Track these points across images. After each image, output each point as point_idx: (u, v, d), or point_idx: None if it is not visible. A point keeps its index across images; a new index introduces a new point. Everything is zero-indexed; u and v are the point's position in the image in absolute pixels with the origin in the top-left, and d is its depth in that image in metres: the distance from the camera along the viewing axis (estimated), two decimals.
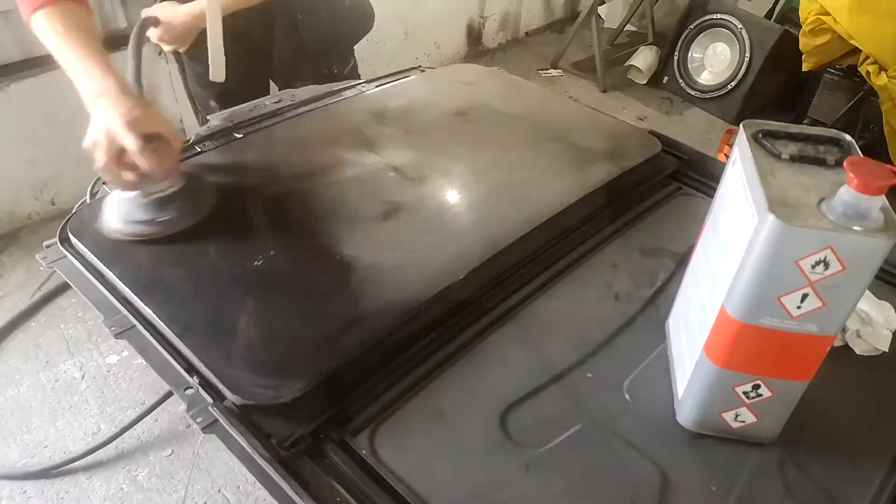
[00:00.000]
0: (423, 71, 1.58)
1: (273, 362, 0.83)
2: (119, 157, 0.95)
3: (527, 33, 4.15)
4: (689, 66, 3.42)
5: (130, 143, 0.93)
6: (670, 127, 3.23)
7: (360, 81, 1.49)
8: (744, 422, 0.81)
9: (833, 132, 0.76)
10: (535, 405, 0.86)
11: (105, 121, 0.94)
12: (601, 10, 3.93)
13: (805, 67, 2.53)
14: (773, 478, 0.79)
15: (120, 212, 1.00)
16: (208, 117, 1.38)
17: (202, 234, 1.02)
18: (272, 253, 0.98)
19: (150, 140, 0.95)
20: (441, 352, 0.91)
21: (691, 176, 1.29)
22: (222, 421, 0.77)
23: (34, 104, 2.26)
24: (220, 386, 0.80)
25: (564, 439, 0.82)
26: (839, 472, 0.80)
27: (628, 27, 4.07)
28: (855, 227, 0.63)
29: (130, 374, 1.94)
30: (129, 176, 0.97)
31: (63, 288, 2.14)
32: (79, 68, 0.99)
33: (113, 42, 2.39)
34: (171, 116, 2.65)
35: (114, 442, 1.77)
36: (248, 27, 1.49)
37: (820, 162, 0.72)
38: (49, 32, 1.02)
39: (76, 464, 1.72)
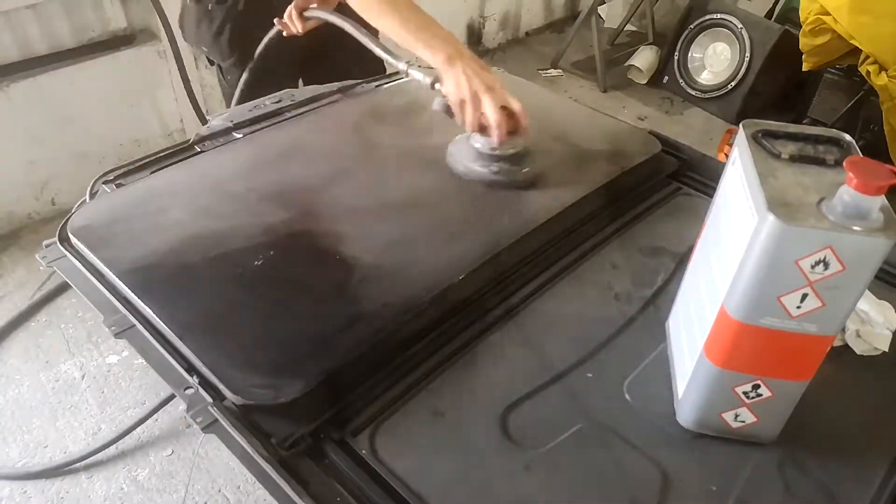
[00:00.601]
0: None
1: (273, 362, 0.83)
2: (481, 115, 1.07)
3: (527, 33, 4.15)
4: (690, 65, 3.42)
5: (515, 102, 1.08)
6: (670, 127, 3.23)
7: (360, 81, 1.49)
8: (744, 422, 0.81)
9: (833, 132, 0.76)
10: (535, 405, 0.86)
11: (472, 82, 1.06)
12: (601, 10, 3.93)
13: (805, 67, 2.53)
14: (773, 478, 0.79)
15: (473, 158, 1.14)
16: (208, 118, 1.38)
17: (202, 234, 1.02)
18: (272, 253, 0.98)
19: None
20: (441, 352, 0.91)
21: (691, 176, 1.29)
22: (222, 421, 0.77)
23: (34, 104, 2.26)
24: (221, 386, 0.80)
25: (564, 439, 0.82)
26: (839, 472, 0.80)
27: (628, 27, 4.07)
28: (855, 227, 0.63)
29: (130, 374, 1.94)
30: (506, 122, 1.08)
31: (63, 288, 2.14)
32: (423, 30, 1.10)
33: (112, 43, 2.41)
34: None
35: (114, 442, 1.77)
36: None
37: (820, 162, 0.72)
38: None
39: (77, 464, 1.72)
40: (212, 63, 1.75)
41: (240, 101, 1.60)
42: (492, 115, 1.06)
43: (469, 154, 1.15)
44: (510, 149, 1.12)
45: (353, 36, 1.29)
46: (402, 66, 1.19)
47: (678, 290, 0.95)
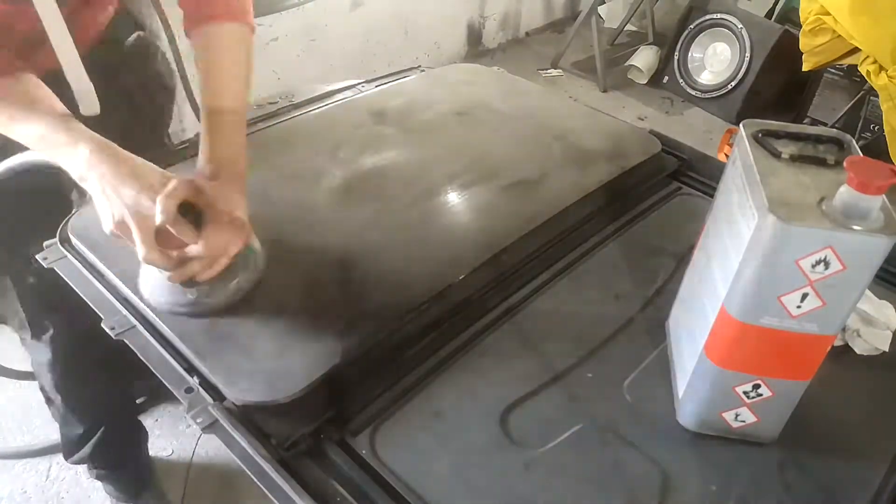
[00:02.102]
0: (423, 71, 1.58)
1: (273, 362, 0.83)
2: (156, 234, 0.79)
3: (527, 33, 4.15)
4: (690, 65, 3.42)
5: (160, 214, 0.76)
6: (670, 127, 3.23)
7: (360, 81, 1.49)
8: (744, 422, 0.81)
9: (833, 132, 0.76)
10: (535, 405, 0.86)
11: (119, 195, 0.78)
12: (601, 9, 3.94)
13: (805, 67, 2.53)
14: (773, 478, 0.79)
15: (159, 285, 0.86)
16: None
17: None
18: (272, 252, 0.98)
19: (185, 209, 0.80)
20: (441, 352, 0.91)
21: (691, 176, 1.29)
22: (222, 421, 0.77)
23: None
24: (220, 386, 0.80)
25: (564, 439, 0.82)
26: (839, 472, 0.80)
27: (628, 27, 4.07)
28: (855, 227, 0.63)
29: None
30: (173, 255, 0.81)
31: None
32: (45, 136, 0.82)
33: None
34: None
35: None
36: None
37: (820, 162, 0.72)
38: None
39: (77, 465, 1.72)
40: None
41: None
42: (140, 252, 0.78)
43: (158, 280, 0.86)
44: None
45: None
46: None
47: (678, 290, 0.95)
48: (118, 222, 0.79)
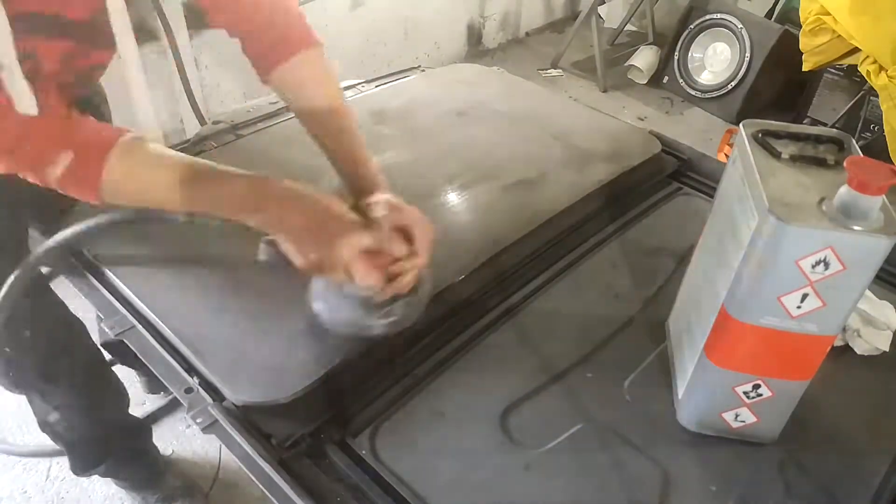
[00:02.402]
0: (423, 71, 1.58)
1: (273, 362, 0.83)
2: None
3: (527, 33, 4.15)
4: (690, 65, 3.42)
5: (359, 275, 0.74)
6: (670, 127, 3.23)
7: (360, 81, 1.49)
8: (744, 422, 0.81)
9: (833, 132, 0.76)
10: (535, 405, 0.86)
11: (317, 242, 0.75)
12: (601, 9, 3.93)
13: (805, 67, 2.53)
14: (773, 478, 0.79)
15: (345, 309, 0.82)
16: (208, 118, 1.38)
17: (202, 234, 1.01)
18: (272, 252, 0.98)
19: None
20: (441, 352, 0.91)
21: (691, 176, 1.29)
22: (222, 421, 0.77)
23: None
24: (220, 386, 0.80)
25: (564, 439, 0.82)
26: (839, 472, 0.80)
27: (628, 27, 4.07)
28: (855, 227, 0.63)
29: (131, 374, 1.94)
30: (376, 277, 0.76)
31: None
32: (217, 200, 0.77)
33: None
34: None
35: None
36: None
37: (820, 162, 0.72)
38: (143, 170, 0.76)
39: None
40: None
41: None
42: (361, 281, 0.75)
43: (341, 300, 0.82)
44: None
45: None
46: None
47: (678, 290, 0.95)
48: (323, 266, 0.76)
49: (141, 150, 0.76)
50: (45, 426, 1.41)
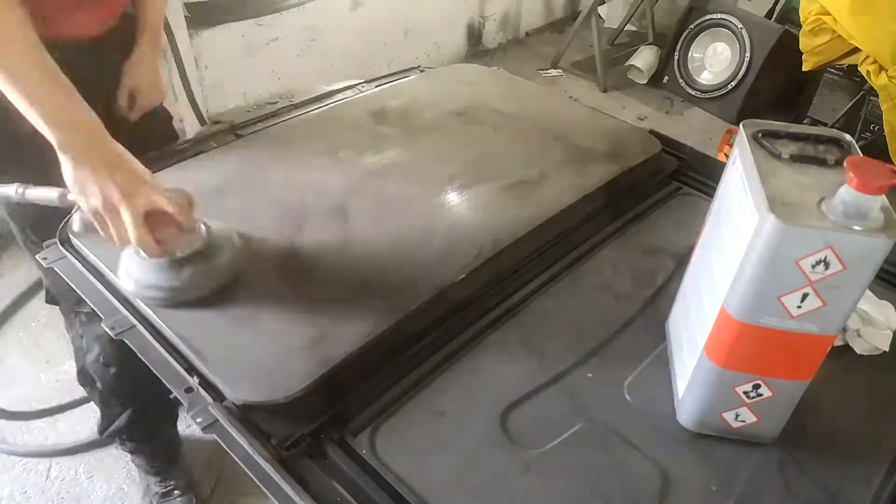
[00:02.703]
0: (422, 71, 1.58)
1: (273, 362, 0.83)
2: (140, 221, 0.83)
3: (527, 33, 4.15)
4: (690, 65, 3.42)
5: (166, 204, 0.84)
6: (670, 127, 3.23)
7: (360, 81, 1.49)
8: (744, 421, 0.81)
9: (833, 132, 0.76)
10: (535, 405, 0.86)
11: (105, 189, 0.82)
12: (601, 10, 3.93)
13: (805, 67, 2.53)
14: (773, 478, 0.79)
15: (133, 272, 0.90)
16: (208, 118, 1.38)
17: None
18: (272, 252, 0.98)
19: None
20: (441, 352, 0.91)
21: (691, 176, 1.29)
22: (222, 421, 0.77)
23: None
24: (220, 386, 0.80)
25: (564, 439, 0.82)
26: (839, 472, 0.80)
27: (628, 27, 4.07)
28: (855, 227, 0.63)
29: None
30: (152, 241, 0.85)
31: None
32: (56, 110, 0.83)
33: None
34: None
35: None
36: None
37: (820, 162, 0.72)
38: None
39: (77, 465, 1.73)
40: None
41: None
42: (131, 232, 0.83)
43: (139, 266, 0.89)
44: (190, 247, 0.89)
45: None
46: (11, 191, 0.90)
47: (678, 290, 0.95)
48: (106, 208, 0.83)
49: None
50: (82, 373, 1.45)
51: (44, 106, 0.83)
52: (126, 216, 0.83)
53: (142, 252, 0.88)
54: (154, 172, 1.17)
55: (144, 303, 0.89)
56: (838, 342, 0.94)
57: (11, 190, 0.90)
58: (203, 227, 0.92)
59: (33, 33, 0.86)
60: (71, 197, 0.86)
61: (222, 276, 0.91)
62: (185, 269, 0.89)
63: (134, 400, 1.47)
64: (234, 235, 0.97)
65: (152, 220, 0.85)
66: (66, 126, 0.84)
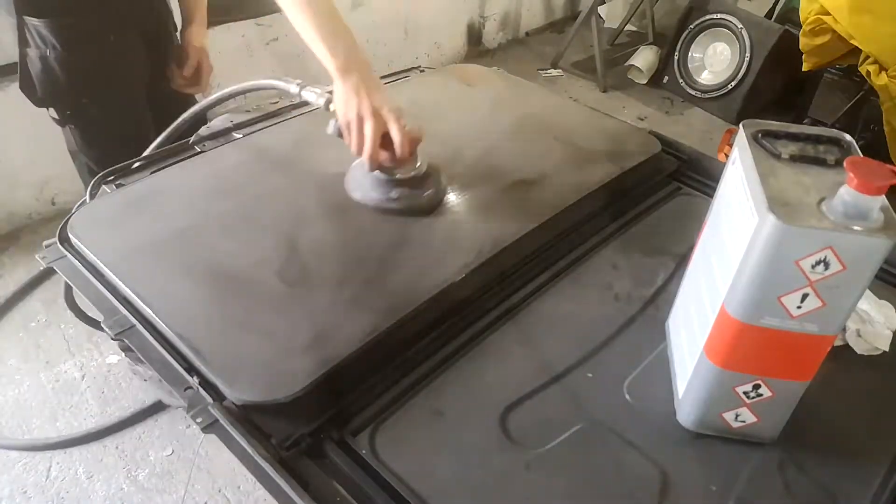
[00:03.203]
0: (422, 71, 1.58)
1: (273, 362, 0.83)
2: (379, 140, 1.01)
3: (527, 33, 4.15)
4: (690, 65, 3.42)
5: (397, 132, 1.01)
6: (670, 127, 3.23)
7: None
8: (744, 422, 0.81)
9: (833, 132, 0.76)
10: (535, 405, 0.86)
11: (361, 104, 1.00)
12: (601, 9, 3.94)
13: (805, 67, 2.53)
14: (773, 478, 0.79)
15: (369, 185, 1.08)
16: (208, 119, 1.38)
17: (202, 234, 1.02)
18: (272, 252, 0.98)
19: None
20: (441, 352, 0.91)
21: (691, 176, 1.29)
22: (222, 421, 0.77)
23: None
24: (220, 386, 0.80)
25: (564, 439, 0.82)
26: (839, 472, 0.81)
27: (628, 27, 4.07)
28: (855, 227, 0.63)
29: (130, 374, 1.94)
30: (384, 157, 1.03)
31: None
32: (326, 33, 1.03)
33: None
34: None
35: (114, 442, 1.77)
36: None
37: (820, 162, 0.72)
38: None
39: (77, 465, 1.73)
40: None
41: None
42: (368, 143, 1.01)
43: (366, 179, 1.09)
44: (407, 173, 1.07)
45: None
46: (293, 88, 1.12)
47: (678, 290, 0.95)
48: (357, 119, 1.01)
49: None
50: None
51: (336, 37, 1.03)
52: (368, 131, 1.00)
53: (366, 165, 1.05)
54: (153, 172, 1.18)
55: (370, 206, 1.07)
56: (838, 342, 0.94)
57: (293, 86, 1.12)
58: (423, 161, 1.09)
59: None
60: (332, 106, 1.05)
61: (425, 203, 1.08)
62: (399, 188, 1.06)
63: None
64: (443, 176, 1.14)
65: (388, 141, 1.02)
66: (343, 54, 1.03)
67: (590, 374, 0.90)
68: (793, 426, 0.81)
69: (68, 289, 1.36)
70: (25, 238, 2.41)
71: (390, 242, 1.02)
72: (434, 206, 1.09)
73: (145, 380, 1.87)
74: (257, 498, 1.67)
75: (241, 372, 0.81)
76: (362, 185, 1.09)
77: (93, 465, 1.73)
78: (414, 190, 1.07)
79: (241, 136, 1.28)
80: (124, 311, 0.91)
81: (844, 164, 0.65)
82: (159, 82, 1.58)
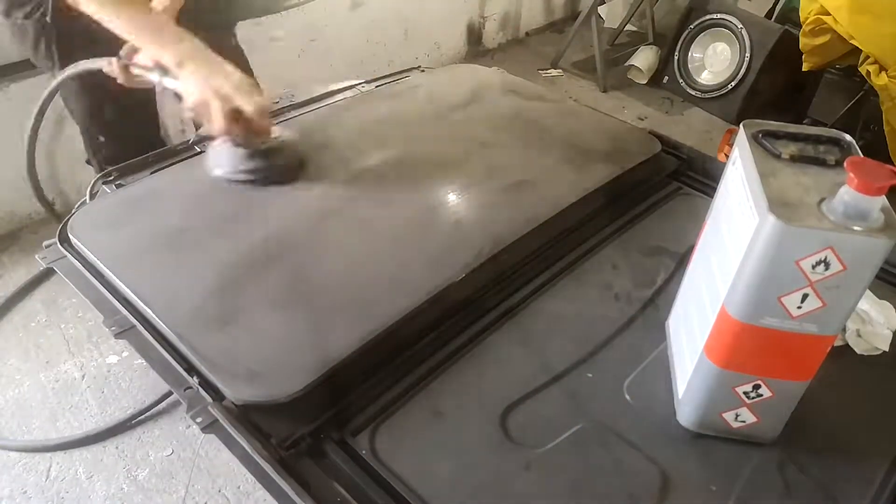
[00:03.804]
0: (423, 71, 1.58)
1: (273, 362, 0.83)
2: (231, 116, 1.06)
3: (527, 33, 4.15)
4: (690, 65, 3.42)
5: (248, 105, 1.05)
6: (670, 127, 3.23)
7: (360, 81, 1.49)
8: (744, 422, 0.81)
9: (833, 132, 0.76)
10: (535, 405, 0.86)
11: (212, 83, 1.04)
12: (601, 9, 3.93)
13: (805, 67, 2.53)
14: (773, 478, 0.79)
15: (224, 160, 1.13)
16: None
17: (202, 234, 1.02)
18: (272, 252, 0.98)
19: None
20: (441, 352, 0.91)
21: (691, 176, 1.29)
22: (222, 421, 0.77)
23: (34, 104, 2.26)
24: (220, 386, 0.80)
25: (564, 439, 0.82)
26: (839, 472, 0.80)
27: (628, 27, 4.07)
28: (855, 228, 0.63)
29: (130, 374, 1.94)
30: (237, 132, 1.09)
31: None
32: (153, 31, 1.08)
33: None
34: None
35: (114, 442, 1.77)
36: None
37: (820, 162, 0.72)
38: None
39: (77, 465, 1.73)
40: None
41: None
42: (217, 124, 1.06)
43: (225, 154, 1.14)
44: (258, 145, 1.13)
45: None
46: (155, 76, 1.13)
47: (678, 290, 0.95)
48: (203, 103, 1.05)
49: None
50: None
51: (159, 34, 1.08)
52: (215, 113, 1.04)
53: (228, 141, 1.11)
54: (153, 172, 1.18)
55: (235, 181, 1.11)
56: (838, 342, 0.94)
57: (155, 75, 1.13)
58: (278, 132, 1.16)
59: None
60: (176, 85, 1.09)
61: (277, 174, 1.14)
62: (256, 159, 1.12)
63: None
64: (298, 147, 1.19)
65: (237, 116, 1.06)
66: (170, 44, 1.07)
67: (590, 374, 0.90)
68: (793, 426, 0.81)
69: None
70: (25, 238, 2.40)
71: (390, 242, 1.02)
72: (292, 174, 1.15)
73: None
74: (257, 498, 1.67)
75: (241, 372, 0.81)
76: (221, 159, 1.14)
77: (93, 465, 1.73)
78: (268, 161, 1.13)
79: None
80: (124, 312, 0.91)
81: (845, 164, 0.65)
82: None
